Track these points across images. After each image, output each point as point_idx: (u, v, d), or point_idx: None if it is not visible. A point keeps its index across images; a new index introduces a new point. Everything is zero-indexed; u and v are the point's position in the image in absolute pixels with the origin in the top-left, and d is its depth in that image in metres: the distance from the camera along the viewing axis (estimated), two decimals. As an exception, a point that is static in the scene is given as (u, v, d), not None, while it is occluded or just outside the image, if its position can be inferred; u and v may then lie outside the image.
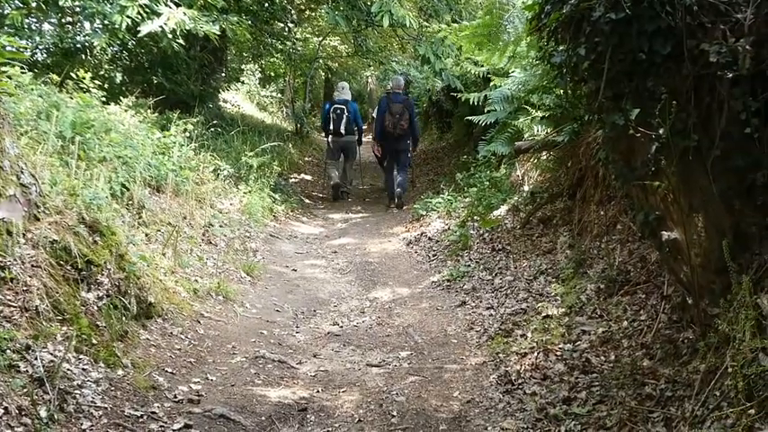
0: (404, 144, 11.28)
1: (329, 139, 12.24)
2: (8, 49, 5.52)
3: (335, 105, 12.01)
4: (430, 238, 8.68)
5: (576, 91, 4.34)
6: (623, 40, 3.43)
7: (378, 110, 11.89)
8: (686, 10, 3.33)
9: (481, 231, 7.83)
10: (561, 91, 6.52)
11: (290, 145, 15.46)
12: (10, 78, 5.90)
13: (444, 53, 11.51)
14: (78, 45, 10.33)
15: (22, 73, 6.57)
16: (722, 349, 3.32)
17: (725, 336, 3.28)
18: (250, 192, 9.59)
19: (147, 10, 8.73)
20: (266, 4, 12.87)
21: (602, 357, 4.28)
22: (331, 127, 11.93)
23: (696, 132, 3.43)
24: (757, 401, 2.86)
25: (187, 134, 8.82)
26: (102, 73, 10.73)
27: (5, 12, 8.91)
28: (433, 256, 8.01)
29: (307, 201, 12.30)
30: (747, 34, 3.26)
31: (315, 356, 5.11)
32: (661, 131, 3.49)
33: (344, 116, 11.81)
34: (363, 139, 12.95)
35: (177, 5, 8.95)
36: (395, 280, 7.31)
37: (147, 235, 6.18)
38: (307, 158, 16.36)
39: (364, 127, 14.64)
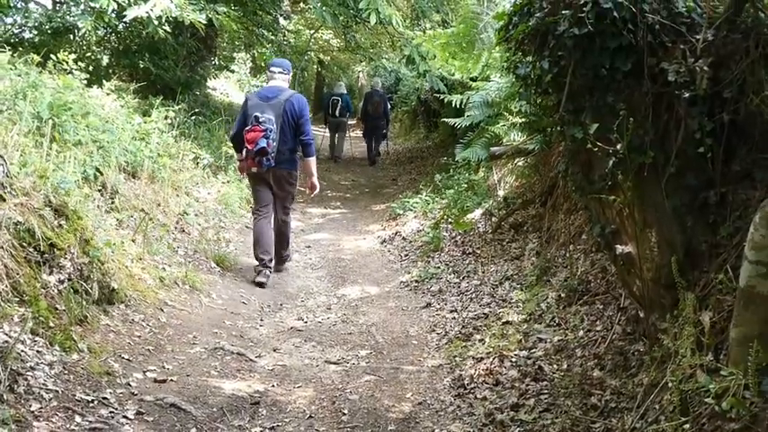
0: (379, 122, 16.18)
1: (329, 119, 16.47)
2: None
3: (333, 96, 16.27)
4: (404, 238, 8.72)
5: (541, 102, 4.39)
6: (586, 56, 3.48)
7: (364, 101, 16.65)
8: (648, 29, 3.39)
9: (454, 234, 7.87)
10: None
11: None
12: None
13: (430, 54, 11.53)
14: (68, 26, 10.28)
15: (1, 52, 6.56)
16: (665, 363, 3.38)
17: (668, 350, 3.35)
18: (229, 182, 9.59)
19: (134, -6, 8.71)
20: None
21: (555, 366, 4.34)
22: (330, 111, 16.14)
23: (652, 149, 3.50)
24: (692, 417, 2.92)
25: (168, 121, 8.81)
26: (89, 54, 10.70)
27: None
28: (405, 255, 8.05)
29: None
30: (706, 55, 3.32)
31: (275, 351, 5.13)
32: (619, 147, 3.54)
33: (339, 104, 15.95)
34: (352, 135, 17.64)
35: (165, -9, 8.91)
36: (365, 278, 7.35)
37: (118, 220, 6.18)
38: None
39: (353, 122, 18.39)
